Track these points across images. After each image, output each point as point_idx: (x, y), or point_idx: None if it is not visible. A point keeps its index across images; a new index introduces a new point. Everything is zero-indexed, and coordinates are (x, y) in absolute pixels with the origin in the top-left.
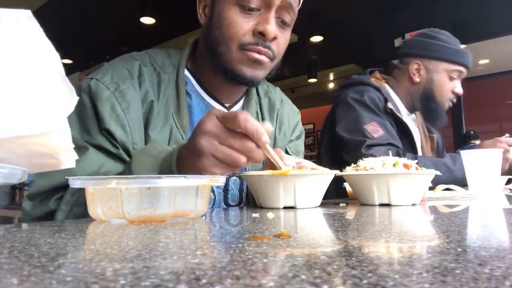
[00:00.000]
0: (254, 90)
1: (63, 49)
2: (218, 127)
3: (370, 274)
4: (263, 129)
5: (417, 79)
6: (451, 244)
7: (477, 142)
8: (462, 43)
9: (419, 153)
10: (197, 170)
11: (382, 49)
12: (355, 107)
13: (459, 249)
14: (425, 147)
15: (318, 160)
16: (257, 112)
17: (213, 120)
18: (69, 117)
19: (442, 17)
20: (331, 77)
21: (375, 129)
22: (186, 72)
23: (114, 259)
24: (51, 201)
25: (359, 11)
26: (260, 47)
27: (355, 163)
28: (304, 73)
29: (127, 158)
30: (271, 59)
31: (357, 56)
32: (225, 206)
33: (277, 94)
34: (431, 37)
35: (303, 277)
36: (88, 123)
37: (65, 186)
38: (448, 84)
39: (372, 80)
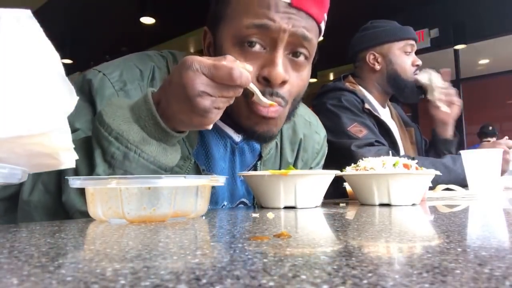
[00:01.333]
0: None
1: (63, 49)
2: (210, 86)
3: (370, 274)
4: (249, 75)
5: (378, 67)
6: (451, 244)
7: (494, 139)
8: (462, 43)
9: (400, 149)
10: (199, 125)
11: None
12: (336, 112)
13: (459, 249)
14: (404, 141)
15: None
16: (276, 143)
17: (202, 78)
18: None
19: (442, 17)
20: (331, 77)
21: (358, 130)
22: None
23: (114, 259)
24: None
25: (359, 11)
26: (265, 96)
27: (346, 165)
28: None
29: None
30: (283, 106)
31: None
32: None
33: (306, 116)
34: (372, 27)
35: (303, 277)
36: (79, 111)
37: None
38: (406, 59)
39: (347, 84)
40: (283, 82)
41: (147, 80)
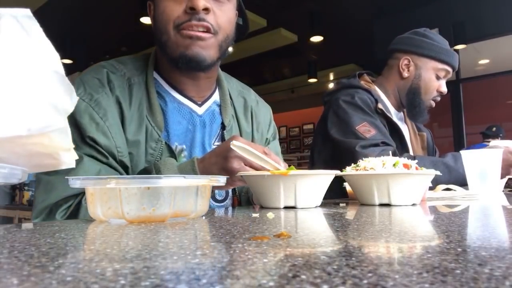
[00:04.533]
0: (227, 93)
1: (63, 49)
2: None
3: (370, 274)
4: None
5: (406, 74)
6: (451, 244)
7: (495, 141)
8: (462, 43)
9: (410, 152)
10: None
11: (382, 49)
12: (346, 109)
13: (459, 249)
14: (415, 145)
15: (311, 163)
16: (232, 115)
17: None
18: None
19: (442, 17)
20: (331, 77)
21: (366, 130)
22: (155, 75)
23: (114, 259)
24: (57, 214)
25: (359, 11)
26: (193, 22)
27: (349, 165)
28: (304, 73)
29: (116, 164)
30: (212, 33)
31: (357, 56)
32: (213, 202)
33: (252, 95)
34: (422, 35)
35: (303, 277)
36: (72, 136)
37: (66, 198)
38: (435, 82)
39: (362, 83)
40: (206, 10)
41: (106, 84)
